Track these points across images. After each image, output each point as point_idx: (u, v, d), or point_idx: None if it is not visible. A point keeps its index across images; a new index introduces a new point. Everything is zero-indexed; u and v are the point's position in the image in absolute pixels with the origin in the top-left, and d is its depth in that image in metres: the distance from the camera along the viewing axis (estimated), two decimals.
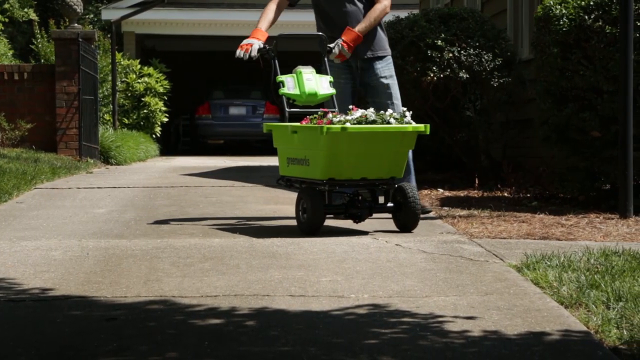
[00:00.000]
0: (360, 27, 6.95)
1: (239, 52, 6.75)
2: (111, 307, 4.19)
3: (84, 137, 13.91)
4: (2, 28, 18.04)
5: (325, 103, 6.80)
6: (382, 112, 6.24)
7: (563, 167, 8.06)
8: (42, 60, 16.73)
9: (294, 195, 6.57)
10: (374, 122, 6.15)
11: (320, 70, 6.94)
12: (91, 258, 5.28)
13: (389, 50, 7.23)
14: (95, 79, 14.97)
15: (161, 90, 20.19)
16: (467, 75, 9.01)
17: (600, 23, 7.48)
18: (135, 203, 8.11)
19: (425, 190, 9.00)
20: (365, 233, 6.27)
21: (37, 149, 13.50)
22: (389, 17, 11.29)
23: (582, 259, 5.02)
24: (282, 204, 7.88)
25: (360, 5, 7.07)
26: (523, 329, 3.88)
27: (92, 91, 14.65)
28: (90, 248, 5.59)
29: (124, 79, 19.83)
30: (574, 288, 4.46)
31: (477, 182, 9.18)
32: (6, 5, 16.28)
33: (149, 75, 20.26)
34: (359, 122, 6.11)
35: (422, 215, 6.51)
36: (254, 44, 6.77)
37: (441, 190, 9.03)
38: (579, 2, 7.60)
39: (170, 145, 24.29)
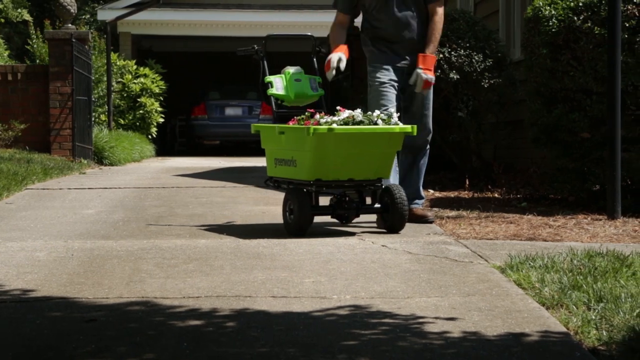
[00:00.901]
0: (431, 49, 6.77)
1: (330, 74, 6.66)
2: (92, 309, 4.19)
3: (78, 137, 13.91)
4: None
5: (314, 104, 6.80)
6: (369, 112, 6.24)
7: (553, 168, 8.07)
8: (38, 61, 16.73)
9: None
10: (360, 122, 6.14)
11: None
12: (75, 259, 5.28)
13: None
14: (89, 79, 14.97)
15: (157, 90, 20.20)
16: (458, 76, 9.02)
17: (589, 24, 7.49)
18: (124, 204, 8.11)
19: None
20: (352, 234, 6.27)
21: (30, 149, 13.49)
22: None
23: (566, 260, 5.03)
24: (272, 205, 7.87)
25: (413, 8, 6.84)
26: (503, 330, 3.89)
27: (85, 92, 14.64)
28: (75, 249, 5.59)
29: (119, 80, 19.83)
30: (556, 289, 4.46)
31: (467, 183, 9.18)
32: (0, 6, 16.29)
33: (145, 75, 20.27)
34: (346, 123, 6.11)
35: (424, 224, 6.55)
36: (333, 57, 6.66)
37: (432, 191, 9.04)
38: (568, 3, 7.60)
39: (166, 146, 24.29)
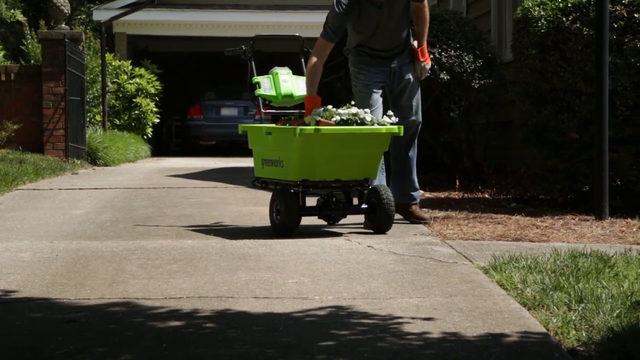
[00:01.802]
0: (424, 41, 6.83)
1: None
2: (73, 309, 4.19)
3: (71, 138, 13.90)
4: None
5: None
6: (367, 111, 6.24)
7: (543, 168, 8.07)
8: (32, 61, 16.71)
9: None
10: (362, 122, 6.14)
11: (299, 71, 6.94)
12: (60, 260, 5.28)
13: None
14: (82, 79, 14.97)
15: (152, 91, 20.19)
16: (448, 77, 9.01)
17: (577, 25, 7.49)
18: (114, 204, 8.11)
19: None
20: (339, 234, 6.28)
21: (24, 149, 13.47)
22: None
23: (549, 261, 5.03)
24: (262, 206, 7.85)
25: (400, 15, 6.76)
26: (482, 331, 3.89)
27: (79, 92, 14.64)
28: (60, 250, 5.59)
29: (115, 80, 19.83)
30: (538, 289, 4.46)
31: (457, 183, 9.17)
32: None
33: (141, 76, 20.26)
34: (347, 122, 6.10)
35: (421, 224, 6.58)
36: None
37: (422, 192, 9.02)
38: (557, 3, 7.60)
39: (162, 146, 24.28)
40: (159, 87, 20.36)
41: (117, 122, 19.68)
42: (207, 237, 6.17)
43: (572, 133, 7.64)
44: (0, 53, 17.84)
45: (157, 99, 20.40)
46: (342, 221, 6.51)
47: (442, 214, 7.35)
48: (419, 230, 6.49)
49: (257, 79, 6.72)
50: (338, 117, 6.16)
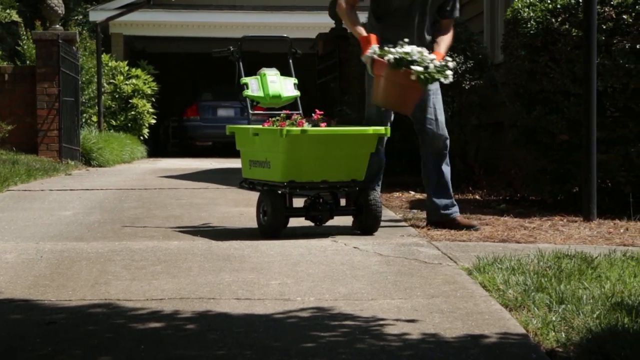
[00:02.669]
0: (444, 51, 6.60)
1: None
2: (54, 311, 4.18)
3: (65, 138, 13.91)
4: None
5: (290, 105, 6.81)
6: (422, 51, 6.13)
7: (534, 169, 8.07)
8: (28, 62, 16.72)
9: None
10: (413, 62, 6.02)
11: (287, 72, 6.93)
12: (44, 261, 5.28)
13: None
14: (76, 80, 14.97)
15: (149, 92, 20.20)
16: None
17: (566, 26, 7.50)
18: (103, 205, 8.11)
19: (397, 193, 9.01)
20: (326, 235, 6.27)
21: (17, 150, 13.49)
22: (361, 18, 11.32)
23: (533, 262, 5.03)
24: (251, 207, 7.81)
25: (427, 23, 6.73)
26: (462, 332, 3.89)
27: (73, 93, 14.64)
28: (45, 251, 5.59)
29: (111, 81, 19.83)
30: (520, 291, 4.46)
31: None
32: None
33: (137, 77, 20.27)
34: (400, 60, 6.00)
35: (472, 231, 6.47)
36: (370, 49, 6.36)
37: (412, 193, 9.04)
38: (546, 5, 7.61)
39: (159, 147, 24.28)
40: (156, 88, 20.36)
41: (114, 122, 19.69)
42: (193, 238, 6.17)
43: (562, 134, 7.65)
44: None
45: (153, 99, 20.40)
46: (332, 222, 6.51)
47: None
48: (407, 232, 6.49)
49: (245, 80, 6.72)
50: (391, 56, 6.03)
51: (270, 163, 6.23)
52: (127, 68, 20.27)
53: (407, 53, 6.07)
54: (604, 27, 7.32)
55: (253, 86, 6.71)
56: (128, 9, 21.46)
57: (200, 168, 14.71)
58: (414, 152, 10.12)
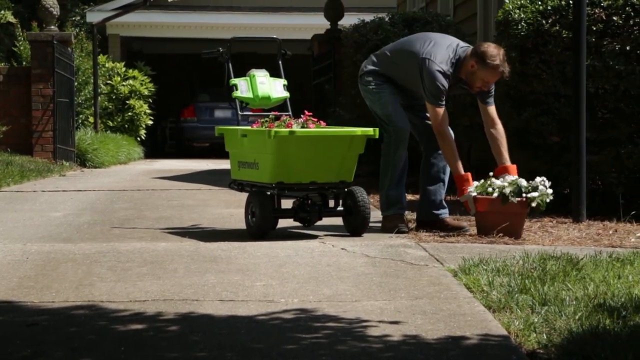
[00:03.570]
0: (508, 160, 6.54)
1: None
2: (36, 313, 4.18)
3: (59, 139, 13.90)
4: None
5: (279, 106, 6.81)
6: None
7: (525, 171, 8.06)
8: (24, 63, 16.71)
9: None
10: (522, 190, 6.18)
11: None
12: (30, 262, 5.27)
13: None
14: (71, 81, 14.96)
15: (146, 92, 20.19)
16: None
17: (557, 27, 7.50)
18: (94, 207, 8.11)
19: None
20: (315, 237, 6.27)
21: (12, 151, 13.48)
22: (354, 20, 11.32)
23: (518, 264, 5.03)
24: (242, 208, 7.77)
25: None
26: (443, 334, 3.89)
27: (68, 94, 14.64)
28: (32, 252, 5.59)
29: (108, 82, 19.83)
30: (504, 292, 4.46)
31: None
32: None
33: (134, 78, 20.27)
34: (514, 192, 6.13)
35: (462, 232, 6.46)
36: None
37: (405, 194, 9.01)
38: (537, 6, 7.61)
39: (157, 148, 24.28)
40: (153, 89, 20.36)
41: (111, 123, 19.68)
42: (181, 239, 6.17)
43: (553, 136, 7.65)
44: None
45: (150, 100, 20.40)
46: (322, 223, 6.51)
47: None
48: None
49: (234, 81, 6.72)
50: (507, 190, 6.15)
51: (258, 164, 6.23)
52: (124, 69, 20.27)
53: (513, 182, 6.20)
54: (594, 28, 7.33)
55: (242, 87, 6.71)
56: (124, 10, 21.46)
57: (196, 169, 14.71)
58: (410, 154, 10.13)
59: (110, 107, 19.82)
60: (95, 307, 4.28)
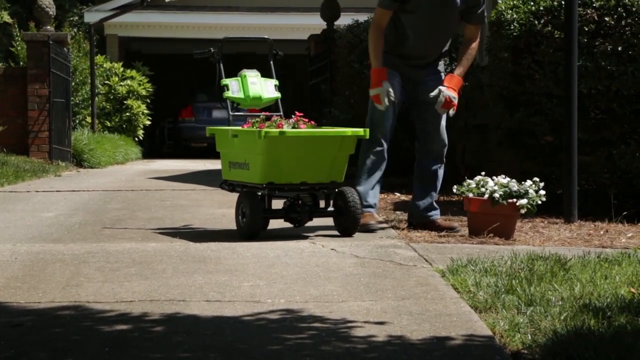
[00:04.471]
0: (460, 72, 6.45)
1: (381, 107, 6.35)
2: (22, 313, 4.18)
3: (55, 140, 13.91)
4: None
5: (271, 107, 6.81)
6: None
7: (518, 171, 8.07)
8: (22, 63, 16.72)
9: None
10: (514, 193, 6.21)
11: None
12: (18, 262, 5.27)
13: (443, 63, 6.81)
14: (67, 81, 14.96)
15: (144, 93, 20.20)
16: None
17: (549, 28, 7.50)
18: (87, 207, 8.11)
19: (381, 195, 8.97)
20: (305, 237, 6.27)
21: (9, 152, 13.49)
22: (347, 21, 11.33)
23: (506, 264, 5.02)
24: (234, 208, 7.85)
25: (449, 23, 6.55)
26: (429, 334, 3.88)
27: (64, 94, 14.64)
28: (21, 252, 5.59)
29: (106, 82, 19.83)
30: (491, 293, 4.46)
31: None
32: None
33: (132, 78, 20.27)
34: (504, 195, 6.17)
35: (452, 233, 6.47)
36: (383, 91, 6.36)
37: (397, 194, 9.04)
38: (529, 7, 7.61)
39: (155, 148, 24.28)
40: (150, 89, 20.37)
41: (108, 124, 19.69)
42: (172, 240, 6.17)
43: (546, 136, 7.65)
44: None
45: (148, 100, 20.40)
46: (313, 223, 6.51)
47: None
48: (386, 233, 6.49)
49: (225, 81, 6.72)
50: (497, 195, 6.18)
51: (249, 165, 6.23)
52: (121, 69, 20.27)
53: (505, 185, 6.21)
54: (586, 29, 7.33)
55: (234, 87, 6.71)
56: (122, 10, 21.46)
57: (193, 169, 14.70)
58: (404, 155, 10.14)
59: (108, 107, 19.82)
60: (81, 308, 4.28)
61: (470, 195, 6.27)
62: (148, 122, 20.49)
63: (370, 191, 6.59)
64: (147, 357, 3.60)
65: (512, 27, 7.62)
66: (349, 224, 6.31)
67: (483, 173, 6.46)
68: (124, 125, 19.95)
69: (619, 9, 7.30)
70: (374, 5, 6.76)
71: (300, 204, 6.35)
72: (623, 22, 7.29)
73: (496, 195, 6.16)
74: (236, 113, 6.75)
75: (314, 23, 19.66)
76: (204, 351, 3.67)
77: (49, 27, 14.57)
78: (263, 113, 6.41)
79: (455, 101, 6.46)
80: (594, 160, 7.52)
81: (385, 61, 6.51)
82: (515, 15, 7.63)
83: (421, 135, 6.76)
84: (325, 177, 6.27)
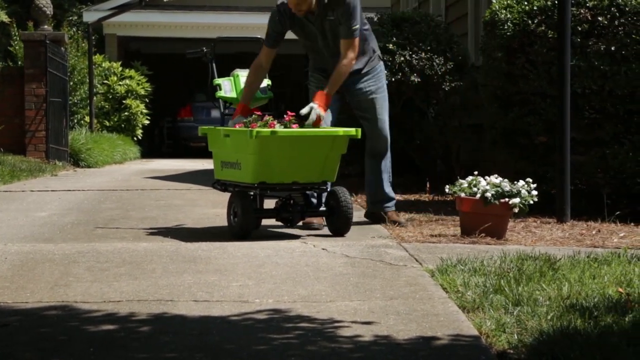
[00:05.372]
0: (329, 89, 6.42)
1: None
2: (8, 313, 4.17)
3: (52, 139, 13.91)
4: None
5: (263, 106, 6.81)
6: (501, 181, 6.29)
7: (512, 171, 8.07)
8: (20, 62, 16.72)
9: None
10: (505, 192, 6.21)
11: None
12: (7, 262, 5.27)
13: (375, 63, 6.82)
14: (64, 81, 14.97)
15: (142, 92, 20.21)
16: (419, 79, 9.02)
17: (543, 28, 7.50)
18: (81, 206, 8.11)
19: None
20: (297, 237, 6.27)
21: (6, 151, 13.50)
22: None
23: (495, 264, 5.02)
24: None
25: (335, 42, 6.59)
26: (415, 334, 3.88)
27: (61, 93, 14.64)
28: (11, 252, 5.59)
29: (104, 81, 19.83)
30: (479, 292, 4.46)
31: (428, 186, 9.17)
32: None
33: (131, 77, 20.28)
34: (497, 194, 6.17)
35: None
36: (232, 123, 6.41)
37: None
38: (523, 6, 7.61)
39: (154, 148, 24.28)
40: (149, 89, 20.37)
41: (107, 123, 19.70)
42: (163, 239, 6.17)
43: (540, 136, 7.65)
44: None
45: (147, 100, 20.41)
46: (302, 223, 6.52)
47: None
48: (378, 233, 6.49)
49: (217, 81, 6.73)
50: (489, 195, 6.19)
51: (241, 164, 6.23)
52: (120, 69, 20.28)
53: (497, 185, 6.24)
54: (580, 29, 7.33)
55: (226, 87, 6.72)
56: (120, 9, 21.47)
57: (190, 169, 14.71)
58: (399, 155, 10.14)
59: (107, 106, 19.83)
60: (68, 308, 4.27)
61: (463, 195, 6.28)
62: (147, 122, 20.49)
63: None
64: (133, 357, 3.60)
65: (506, 27, 7.62)
66: (340, 223, 6.31)
67: (476, 173, 6.46)
68: (123, 125, 19.96)
69: (612, 8, 7.30)
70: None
71: (292, 204, 6.35)
72: (616, 22, 7.29)
73: (488, 195, 6.17)
74: (229, 113, 6.74)
75: None
76: (190, 351, 3.67)
77: (46, 26, 14.57)
78: (255, 112, 6.41)
79: (322, 120, 6.39)
80: (588, 160, 7.52)
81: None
82: (509, 15, 7.63)
83: (366, 131, 6.87)
84: (316, 177, 6.27)
